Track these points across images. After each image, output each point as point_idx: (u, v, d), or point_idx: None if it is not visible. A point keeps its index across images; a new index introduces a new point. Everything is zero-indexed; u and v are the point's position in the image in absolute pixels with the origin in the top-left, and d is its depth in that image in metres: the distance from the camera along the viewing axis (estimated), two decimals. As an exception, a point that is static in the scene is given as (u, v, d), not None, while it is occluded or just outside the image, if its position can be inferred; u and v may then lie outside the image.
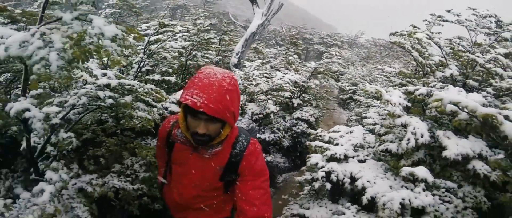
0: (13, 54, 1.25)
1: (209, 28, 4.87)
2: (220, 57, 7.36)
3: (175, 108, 3.05)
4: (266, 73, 5.11)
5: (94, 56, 1.18)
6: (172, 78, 3.15)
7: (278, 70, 7.51)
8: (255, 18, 7.83)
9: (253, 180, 1.30)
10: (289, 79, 5.14)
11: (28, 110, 1.55)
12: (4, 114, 1.62)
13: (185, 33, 3.55)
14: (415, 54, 3.71)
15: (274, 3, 7.90)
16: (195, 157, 1.31)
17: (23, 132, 1.77)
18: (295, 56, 8.45)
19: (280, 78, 4.94)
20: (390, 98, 2.60)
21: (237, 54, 7.59)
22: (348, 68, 13.03)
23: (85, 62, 1.29)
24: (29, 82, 1.44)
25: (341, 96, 11.43)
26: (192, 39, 3.89)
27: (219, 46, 5.50)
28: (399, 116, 2.60)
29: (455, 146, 2.41)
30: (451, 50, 3.99)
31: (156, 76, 3.10)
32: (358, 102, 7.86)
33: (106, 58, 1.43)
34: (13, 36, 1.27)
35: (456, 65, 3.81)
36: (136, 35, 1.46)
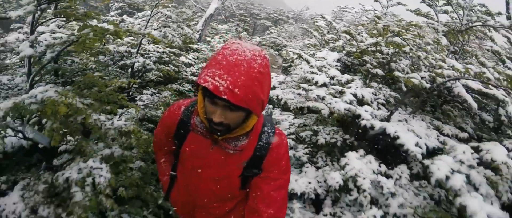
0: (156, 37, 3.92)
1: (192, 18, 7.44)
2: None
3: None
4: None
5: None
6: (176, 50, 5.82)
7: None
8: (212, 2, 10.39)
9: (276, 178, 1.25)
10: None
11: (144, 62, 4.19)
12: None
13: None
14: (315, 33, 6.85)
15: (228, -10, 10.54)
16: (216, 152, 1.21)
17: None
18: (245, 32, 11.33)
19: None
20: (293, 53, 5.65)
21: (198, 31, 10.16)
22: (291, 41, 16.36)
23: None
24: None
25: (284, 65, 14.68)
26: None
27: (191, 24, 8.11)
28: (300, 63, 5.69)
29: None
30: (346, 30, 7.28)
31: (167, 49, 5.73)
32: (299, 67, 11.18)
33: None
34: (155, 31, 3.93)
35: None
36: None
